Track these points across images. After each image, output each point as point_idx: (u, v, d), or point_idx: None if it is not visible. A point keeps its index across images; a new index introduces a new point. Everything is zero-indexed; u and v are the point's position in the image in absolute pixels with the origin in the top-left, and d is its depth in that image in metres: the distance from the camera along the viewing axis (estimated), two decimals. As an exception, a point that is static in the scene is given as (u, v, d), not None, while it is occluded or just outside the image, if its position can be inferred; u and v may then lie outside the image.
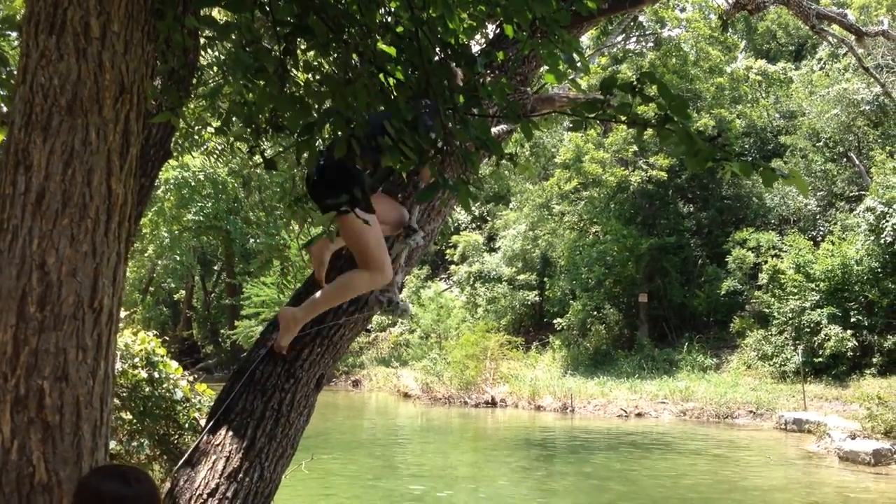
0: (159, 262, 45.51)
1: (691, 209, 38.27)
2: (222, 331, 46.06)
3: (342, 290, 4.11)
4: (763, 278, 31.61)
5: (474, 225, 49.55)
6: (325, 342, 4.23)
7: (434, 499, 13.93)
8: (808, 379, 27.16)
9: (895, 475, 16.44)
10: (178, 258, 41.41)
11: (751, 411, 25.74)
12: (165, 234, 36.80)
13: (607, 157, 35.98)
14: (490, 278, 42.67)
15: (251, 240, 36.83)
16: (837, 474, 16.94)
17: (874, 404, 19.04)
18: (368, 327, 45.38)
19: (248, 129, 3.55)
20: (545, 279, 41.10)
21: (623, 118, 2.95)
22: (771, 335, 30.45)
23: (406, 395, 34.01)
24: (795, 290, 29.84)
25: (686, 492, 15.17)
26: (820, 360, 27.75)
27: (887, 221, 27.22)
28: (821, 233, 33.37)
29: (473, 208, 47.52)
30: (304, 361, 4.16)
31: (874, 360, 27.01)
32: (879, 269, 28.33)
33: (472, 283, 43.39)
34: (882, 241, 27.62)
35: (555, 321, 37.73)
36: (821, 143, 36.13)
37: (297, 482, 12.55)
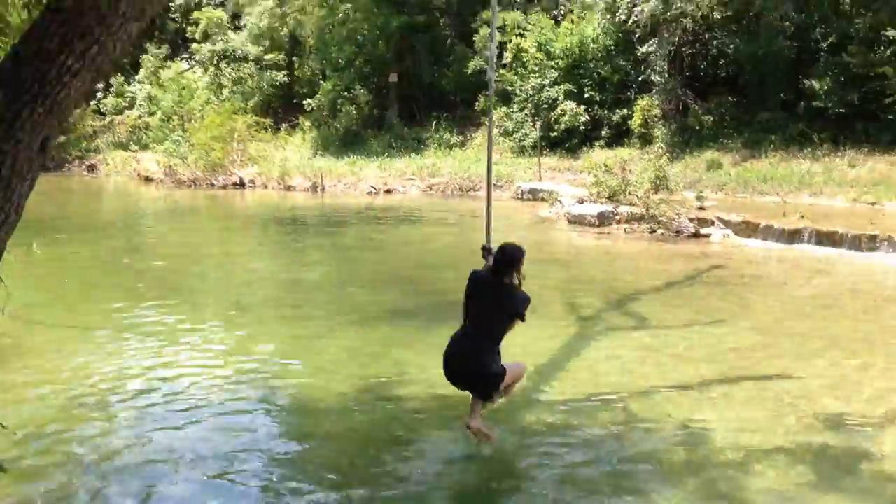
0: None
1: (440, -14, 37.90)
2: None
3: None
4: (507, 57, 32.39)
5: (217, 0, 46.51)
6: (47, 101, 3.73)
7: (185, 272, 13.63)
8: (545, 152, 28.74)
9: (615, 233, 18.04)
10: None
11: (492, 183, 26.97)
12: None
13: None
14: (236, 58, 40.77)
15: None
16: (566, 234, 18.35)
17: (600, 172, 20.47)
18: (103, 110, 42.52)
19: None
20: (294, 59, 39.85)
21: None
22: (513, 112, 31.68)
23: (148, 179, 32.58)
24: (536, 69, 30.91)
25: (433, 256, 15.83)
26: (555, 134, 29.36)
27: (622, 0, 28.34)
28: (562, 12, 34.25)
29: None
30: (24, 122, 3.66)
31: (603, 133, 28.95)
32: (613, 47, 29.81)
33: (216, 62, 41.28)
34: (616, 20, 28.87)
35: (304, 102, 37.03)
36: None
37: (31, 266, 11.81)
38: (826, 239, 15.16)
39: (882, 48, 22.40)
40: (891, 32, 21.98)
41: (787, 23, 25.54)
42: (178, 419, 6.65)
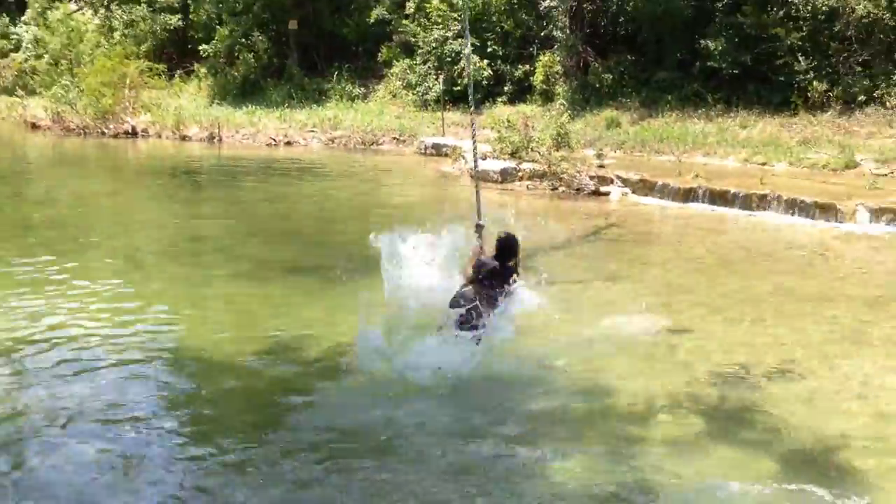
0: None
1: (342, -68, 37.00)
2: None
3: None
4: (410, 7, 31.99)
5: (106, -62, 44.30)
6: None
7: (75, 224, 13.13)
8: (448, 107, 28.64)
9: (518, 189, 18.24)
10: None
11: (395, 138, 26.83)
12: None
13: None
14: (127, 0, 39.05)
15: None
16: (469, 190, 18.37)
17: (503, 128, 20.57)
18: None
19: None
20: (189, 2, 38.39)
21: None
22: (416, 64, 31.37)
23: (34, 126, 30.99)
24: (440, 20, 30.63)
25: (335, 209, 15.72)
26: (458, 88, 29.22)
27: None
28: (465, -36, 33.91)
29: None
30: None
31: (505, 88, 28.99)
32: (515, 1, 29.74)
33: (106, 4, 39.44)
34: (517, -27, 28.82)
35: (200, 48, 35.76)
36: None
37: None
38: (719, 198, 15.66)
39: (775, 9, 23.00)
40: (784, -7, 22.62)
41: (685, -18, 25.97)
42: (65, 375, 6.47)
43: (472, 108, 8.78)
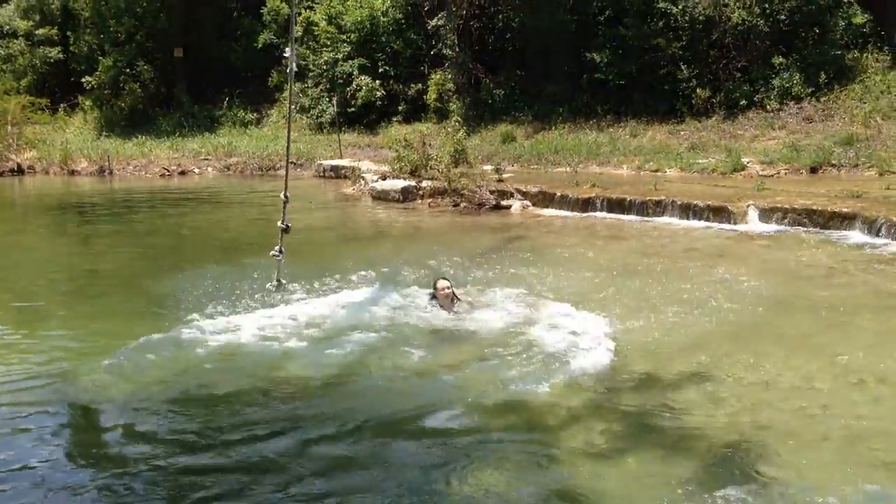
0: None
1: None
2: None
3: None
4: (298, 31, 31.81)
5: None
6: None
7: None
8: (343, 129, 28.61)
9: (419, 208, 18.30)
10: None
11: (292, 162, 26.54)
12: None
13: None
14: (3, 34, 37.63)
15: None
16: (371, 211, 18.41)
17: (401, 147, 20.65)
18: None
19: None
20: (69, 33, 37.28)
21: None
22: (308, 87, 31.22)
23: (-90, 169, 29.62)
24: (329, 43, 30.57)
25: (233, 239, 15.44)
26: (353, 109, 29.25)
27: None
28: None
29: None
30: None
31: (400, 108, 29.14)
32: (403, 20, 29.95)
33: (-20, 39, 37.99)
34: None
35: (83, 80, 34.77)
36: None
37: None
38: (617, 206, 16.08)
39: (655, 20, 23.81)
40: (662, 4, 23.41)
41: (567, -5, 26.64)
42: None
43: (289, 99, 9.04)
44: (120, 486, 5.38)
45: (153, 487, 5.37)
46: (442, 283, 9.19)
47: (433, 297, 9.19)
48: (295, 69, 8.01)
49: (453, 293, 9.21)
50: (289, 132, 9.04)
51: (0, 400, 6.82)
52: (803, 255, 11.84)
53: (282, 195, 9.43)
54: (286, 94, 31.85)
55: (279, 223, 9.36)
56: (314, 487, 5.32)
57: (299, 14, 31.86)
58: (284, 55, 8.64)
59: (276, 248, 9.26)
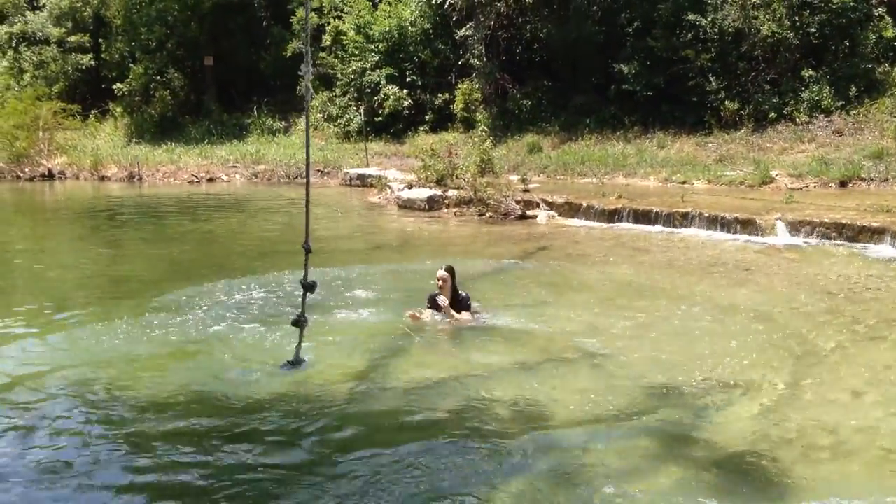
0: None
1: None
2: None
3: None
4: (327, 40, 32.06)
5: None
6: None
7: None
8: (370, 137, 28.74)
9: (445, 217, 18.33)
10: None
11: (319, 170, 26.78)
12: None
13: None
14: (36, 40, 38.14)
15: None
16: (398, 220, 18.46)
17: (427, 156, 20.70)
18: None
19: None
20: (100, 41, 37.74)
21: None
22: (335, 96, 31.40)
23: (-55, 173, 30.11)
24: (357, 52, 30.76)
25: (259, 243, 15.52)
26: (380, 119, 29.38)
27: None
28: (379, -6, 34.21)
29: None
30: None
31: (427, 117, 29.23)
32: (431, 31, 30.07)
33: (14, 45, 38.47)
34: (433, 3, 29.16)
35: (114, 87, 35.16)
36: None
37: None
38: (643, 217, 16.02)
39: (684, 32, 23.73)
40: (691, 16, 23.34)
41: (595, 7, 26.62)
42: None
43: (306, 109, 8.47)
44: (162, 485, 5.43)
45: (193, 486, 5.41)
46: (439, 273, 9.02)
47: (433, 304, 9.04)
48: (312, 96, 7.64)
49: (467, 297, 9.10)
50: (307, 175, 7.75)
51: (32, 398, 6.89)
52: (832, 269, 11.74)
53: (303, 245, 7.46)
54: (315, 102, 32.05)
55: (301, 281, 7.45)
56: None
57: (328, 24, 32.10)
58: (300, 73, 7.43)
59: (298, 313, 7.42)
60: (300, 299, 7.55)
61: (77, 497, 5.30)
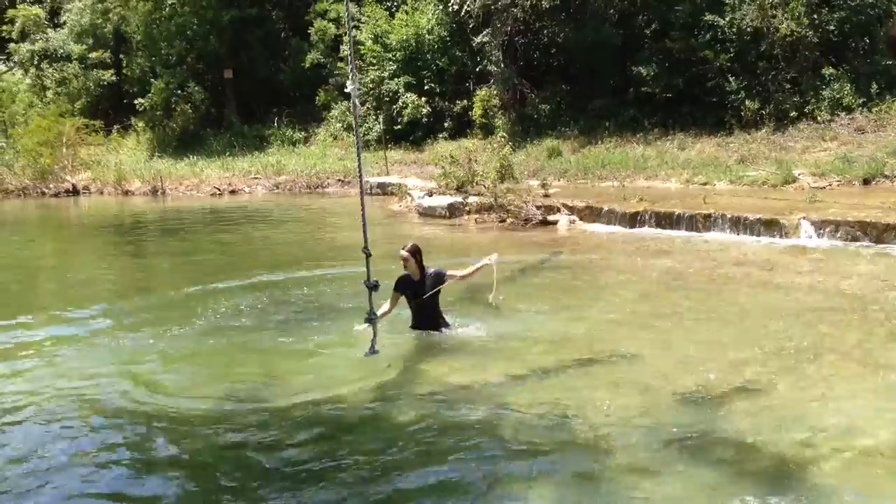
0: None
1: (272, -21, 37.20)
2: None
3: None
4: (344, 50, 32.20)
5: (33, -3, 43.84)
6: None
7: (21, 287, 12.85)
8: (390, 146, 28.85)
9: (466, 224, 18.37)
10: None
11: (339, 180, 26.92)
12: None
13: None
14: (58, 57, 38.64)
15: None
16: (419, 228, 18.50)
17: (447, 163, 20.75)
18: None
19: None
20: (121, 56, 38.17)
21: None
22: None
23: (-29, 191, 30.49)
24: (375, 61, 30.91)
25: (282, 253, 15.62)
26: (399, 127, 29.50)
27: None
28: (396, 3, 34.33)
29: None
30: None
31: (445, 124, 29.31)
32: (448, 38, 30.17)
33: (36, 63, 39.00)
34: (450, 10, 29.26)
35: (136, 102, 35.53)
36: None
37: None
38: (665, 220, 15.95)
39: (702, 33, 23.67)
40: (709, 17, 23.28)
41: (612, 10, 26.61)
42: (28, 447, 6.29)
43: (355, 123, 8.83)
44: (184, 488, 5.49)
45: (223, 487, 5.47)
46: (402, 253, 8.80)
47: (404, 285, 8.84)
48: (360, 112, 8.02)
49: (440, 272, 8.89)
50: (361, 190, 8.40)
51: (56, 406, 6.97)
52: (858, 268, 11.66)
53: (362, 249, 8.24)
54: (334, 112, 32.37)
55: (363, 282, 8.17)
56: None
57: (345, 34, 32.21)
58: (346, 89, 8.25)
59: (368, 311, 8.18)
60: (366, 298, 8.22)
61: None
